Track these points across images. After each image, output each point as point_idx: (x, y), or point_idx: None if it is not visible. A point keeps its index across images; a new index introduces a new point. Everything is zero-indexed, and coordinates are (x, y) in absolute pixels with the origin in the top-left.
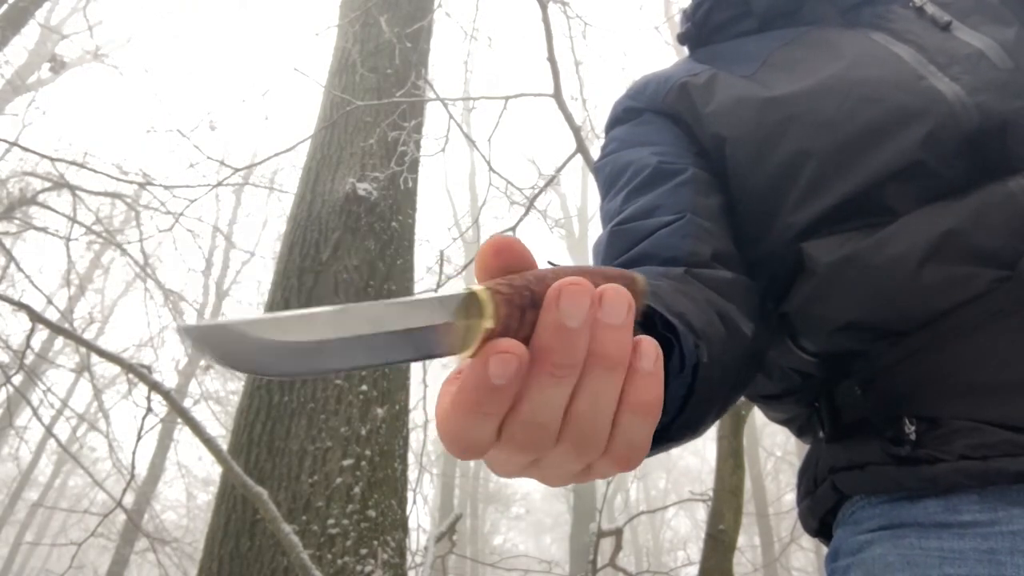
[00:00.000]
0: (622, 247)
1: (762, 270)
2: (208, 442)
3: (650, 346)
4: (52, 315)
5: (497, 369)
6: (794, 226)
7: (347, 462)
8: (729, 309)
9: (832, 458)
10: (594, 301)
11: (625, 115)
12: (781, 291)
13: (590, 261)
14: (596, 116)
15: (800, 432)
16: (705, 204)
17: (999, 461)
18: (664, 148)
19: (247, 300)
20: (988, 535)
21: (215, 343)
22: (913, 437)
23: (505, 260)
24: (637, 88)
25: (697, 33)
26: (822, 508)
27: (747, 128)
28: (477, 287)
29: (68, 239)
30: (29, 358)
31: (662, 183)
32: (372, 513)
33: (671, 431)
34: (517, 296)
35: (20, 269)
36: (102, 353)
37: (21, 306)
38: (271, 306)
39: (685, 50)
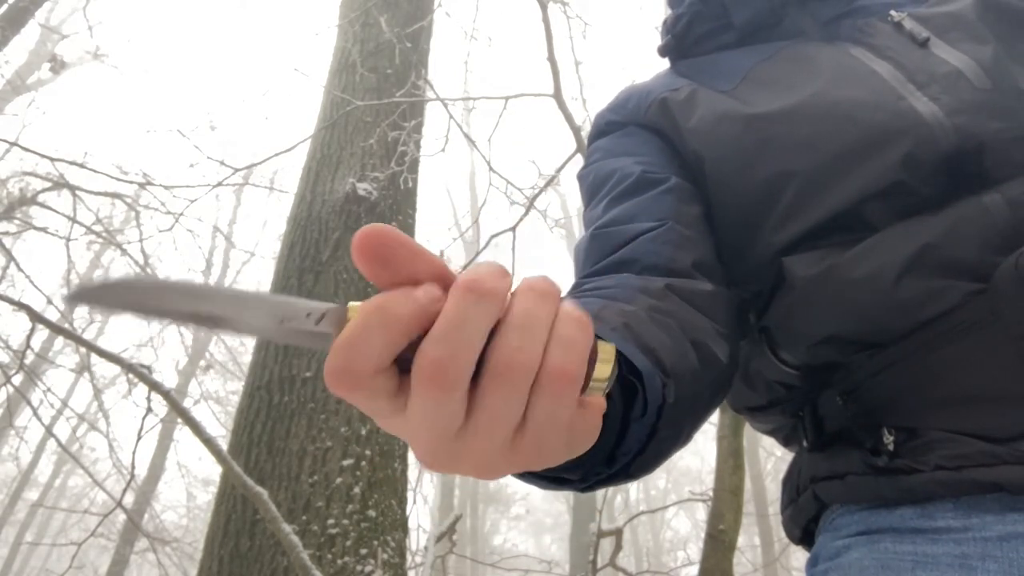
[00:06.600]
0: (603, 251)
1: (743, 284)
2: (208, 442)
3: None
4: (52, 315)
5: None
6: (775, 244)
7: (347, 462)
8: (705, 333)
9: (813, 468)
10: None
11: (608, 127)
12: (762, 305)
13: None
14: None
15: (786, 442)
16: (687, 212)
17: (973, 471)
18: (647, 158)
19: None
20: (961, 540)
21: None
22: (891, 447)
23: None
24: (619, 102)
25: (677, 45)
26: (804, 516)
27: (727, 147)
28: (353, 304)
29: (68, 239)
30: (29, 358)
31: (645, 191)
32: (372, 513)
33: (631, 468)
34: None
35: (20, 269)
36: (102, 353)
37: (21, 306)
38: None
39: None
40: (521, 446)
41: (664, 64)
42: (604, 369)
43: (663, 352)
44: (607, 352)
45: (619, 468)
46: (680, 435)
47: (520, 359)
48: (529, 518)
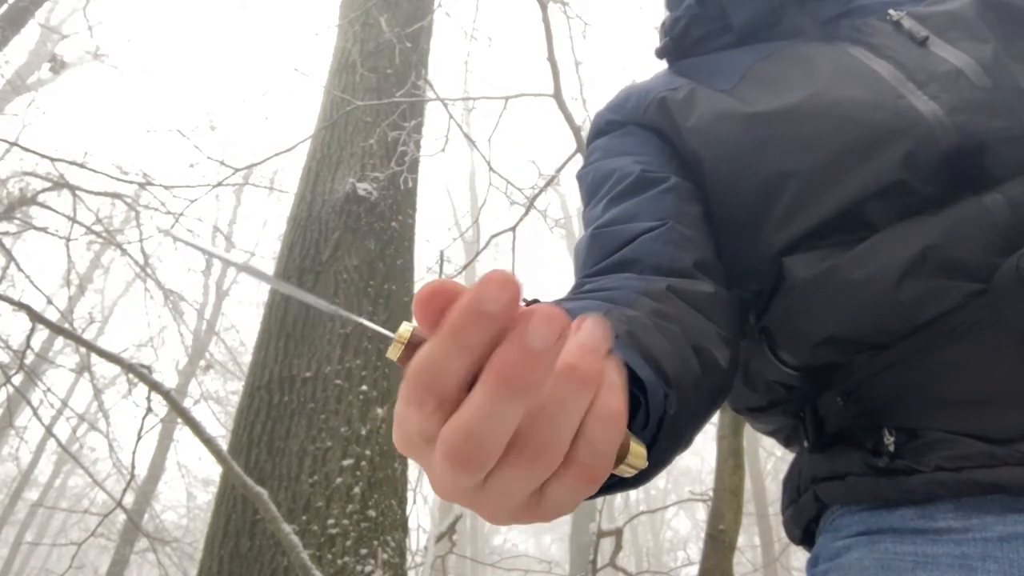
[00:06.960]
0: (604, 250)
1: (743, 284)
2: (208, 442)
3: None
4: (52, 315)
5: (494, 292)
6: (776, 244)
7: (347, 462)
8: (708, 337)
9: (814, 468)
10: (564, 330)
11: (607, 127)
12: (762, 305)
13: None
14: None
15: (787, 442)
16: (687, 212)
17: (974, 472)
18: (647, 158)
19: (247, 300)
20: (961, 541)
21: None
22: (892, 448)
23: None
24: (618, 102)
25: (675, 47)
26: (805, 517)
27: (726, 146)
28: (405, 327)
29: (68, 239)
30: (29, 358)
31: (645, 190)
32: (372, 513)
33: (630, 478)
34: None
35: (20, 269)
36: (102, 353)
37: (21, 306)
38: (271, 307)
39: None
40: (539, 508)
41: (664, 63)
42: (637, 460)
43: (665, 361)
44: (638, 452)
45: (618, 479)
46: (680, 442)
47: (547, 454)
48: None
